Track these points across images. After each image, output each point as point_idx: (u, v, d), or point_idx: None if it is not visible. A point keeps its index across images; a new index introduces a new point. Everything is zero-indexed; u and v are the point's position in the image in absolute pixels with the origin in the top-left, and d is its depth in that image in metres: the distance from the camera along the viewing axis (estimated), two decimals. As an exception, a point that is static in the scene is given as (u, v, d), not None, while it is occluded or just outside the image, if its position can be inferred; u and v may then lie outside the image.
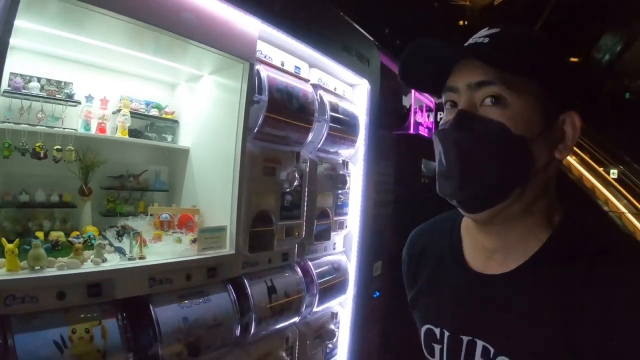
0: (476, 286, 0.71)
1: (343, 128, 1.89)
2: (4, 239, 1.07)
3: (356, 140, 2.06)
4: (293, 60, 1.78)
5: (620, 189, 8.54)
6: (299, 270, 1.77)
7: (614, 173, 8.81)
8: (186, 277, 1.38)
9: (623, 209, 8.26)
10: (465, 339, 0.71)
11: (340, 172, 1.93)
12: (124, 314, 1.19)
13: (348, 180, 1.95)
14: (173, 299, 1.33)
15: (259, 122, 1.51)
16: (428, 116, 3.81)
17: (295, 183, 1.62)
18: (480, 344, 0.69)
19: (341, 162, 1.99)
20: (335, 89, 2.01)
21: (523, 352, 0.63)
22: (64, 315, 1.09)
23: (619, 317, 0.56)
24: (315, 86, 1.80)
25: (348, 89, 2.18)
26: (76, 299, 1.11)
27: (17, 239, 1.08)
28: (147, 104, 1.78)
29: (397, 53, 1.20)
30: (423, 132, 3.60)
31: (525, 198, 0.65)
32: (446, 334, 0.74)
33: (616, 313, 0.56)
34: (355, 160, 2.14)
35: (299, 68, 1.79)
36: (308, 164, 1.77)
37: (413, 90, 3.24)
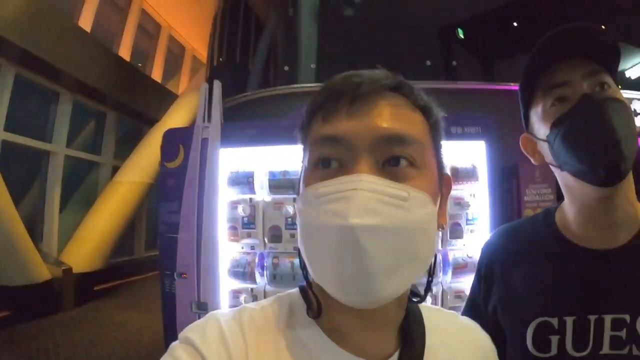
0: (595, 263, 0.75)
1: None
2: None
3: None
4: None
5: None
6: None
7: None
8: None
9: None
10: (592, 318, 0.73)
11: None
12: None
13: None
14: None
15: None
16: None
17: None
18: (609, 318, 0.72)
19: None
20: None
21: None
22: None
23: None
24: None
25: None
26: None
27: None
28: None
29: None
30: None
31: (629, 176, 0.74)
32: (568, 320, 0.74)
33: None
34: None
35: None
36: None
37: None
